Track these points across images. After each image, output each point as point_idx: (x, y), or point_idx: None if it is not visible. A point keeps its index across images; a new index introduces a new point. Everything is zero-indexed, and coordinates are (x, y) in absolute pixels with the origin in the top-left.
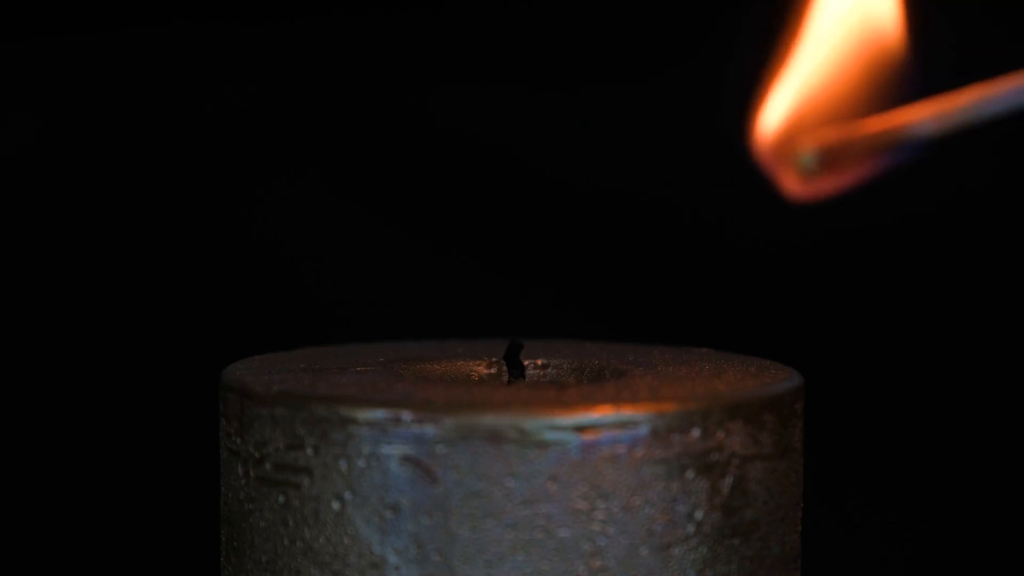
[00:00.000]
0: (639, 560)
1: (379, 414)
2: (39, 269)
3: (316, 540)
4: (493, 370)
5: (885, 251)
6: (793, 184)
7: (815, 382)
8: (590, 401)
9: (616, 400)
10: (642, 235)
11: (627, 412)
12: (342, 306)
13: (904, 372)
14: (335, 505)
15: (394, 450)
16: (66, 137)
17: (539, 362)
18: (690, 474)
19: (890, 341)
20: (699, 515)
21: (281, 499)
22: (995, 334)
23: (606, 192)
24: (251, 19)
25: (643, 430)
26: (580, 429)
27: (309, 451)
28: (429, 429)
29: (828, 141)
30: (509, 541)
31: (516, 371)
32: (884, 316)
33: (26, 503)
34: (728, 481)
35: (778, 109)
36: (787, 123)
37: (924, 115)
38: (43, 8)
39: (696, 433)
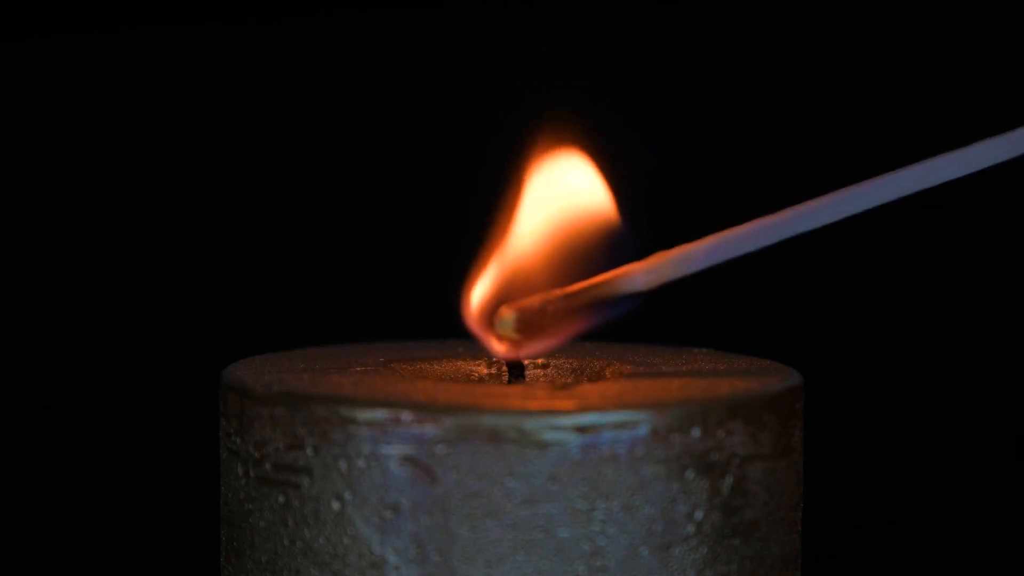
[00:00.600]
0: (639, 560)
1: (379, 414)
2: (39, 269)
3: (316, 540)
4: (493, 370)
5: (885, 251)
6: (498, 348)
7: (815, 382)
8: (590, 401)
9: (616, 400)
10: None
11: (627, 412)
12: (342, 306)
13: (904, 372)
14: (335, 505)
15: (394, 450)
16: (66, 137)
17: (539, 362)
18: (690, 474)
19: (890, 341)
20: (699, 515)
21: (281, 499)
22: (995, 334)
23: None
24: (252, 19)
25: (643, 430)
26: (580, 429)
27: (309, 451)
28: (429, 429)
29: (526, 309)
30: (509, 541)
31: (516, 371)
32: (884, 316)
33: (26, 503)
34: (728, 481)
35: (484, 282)
36: (489, 294)
37: (636, 270)
38: (43, 8)
39: (696, 433)
